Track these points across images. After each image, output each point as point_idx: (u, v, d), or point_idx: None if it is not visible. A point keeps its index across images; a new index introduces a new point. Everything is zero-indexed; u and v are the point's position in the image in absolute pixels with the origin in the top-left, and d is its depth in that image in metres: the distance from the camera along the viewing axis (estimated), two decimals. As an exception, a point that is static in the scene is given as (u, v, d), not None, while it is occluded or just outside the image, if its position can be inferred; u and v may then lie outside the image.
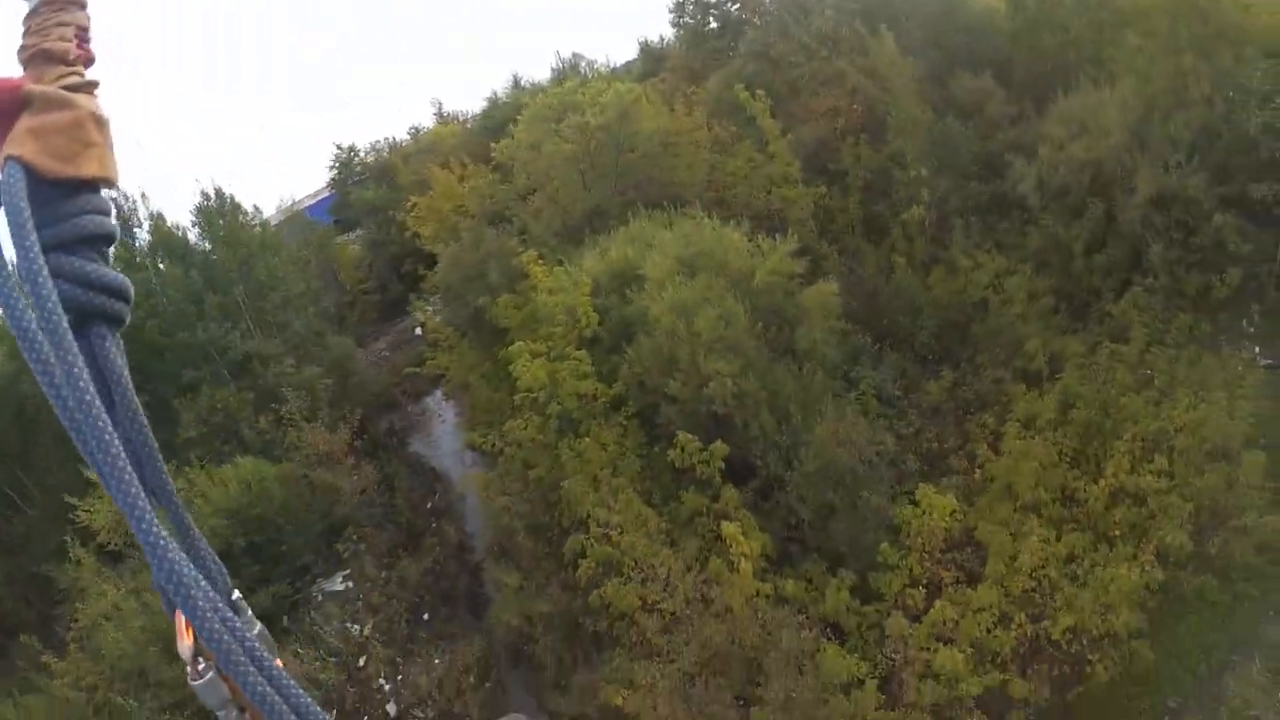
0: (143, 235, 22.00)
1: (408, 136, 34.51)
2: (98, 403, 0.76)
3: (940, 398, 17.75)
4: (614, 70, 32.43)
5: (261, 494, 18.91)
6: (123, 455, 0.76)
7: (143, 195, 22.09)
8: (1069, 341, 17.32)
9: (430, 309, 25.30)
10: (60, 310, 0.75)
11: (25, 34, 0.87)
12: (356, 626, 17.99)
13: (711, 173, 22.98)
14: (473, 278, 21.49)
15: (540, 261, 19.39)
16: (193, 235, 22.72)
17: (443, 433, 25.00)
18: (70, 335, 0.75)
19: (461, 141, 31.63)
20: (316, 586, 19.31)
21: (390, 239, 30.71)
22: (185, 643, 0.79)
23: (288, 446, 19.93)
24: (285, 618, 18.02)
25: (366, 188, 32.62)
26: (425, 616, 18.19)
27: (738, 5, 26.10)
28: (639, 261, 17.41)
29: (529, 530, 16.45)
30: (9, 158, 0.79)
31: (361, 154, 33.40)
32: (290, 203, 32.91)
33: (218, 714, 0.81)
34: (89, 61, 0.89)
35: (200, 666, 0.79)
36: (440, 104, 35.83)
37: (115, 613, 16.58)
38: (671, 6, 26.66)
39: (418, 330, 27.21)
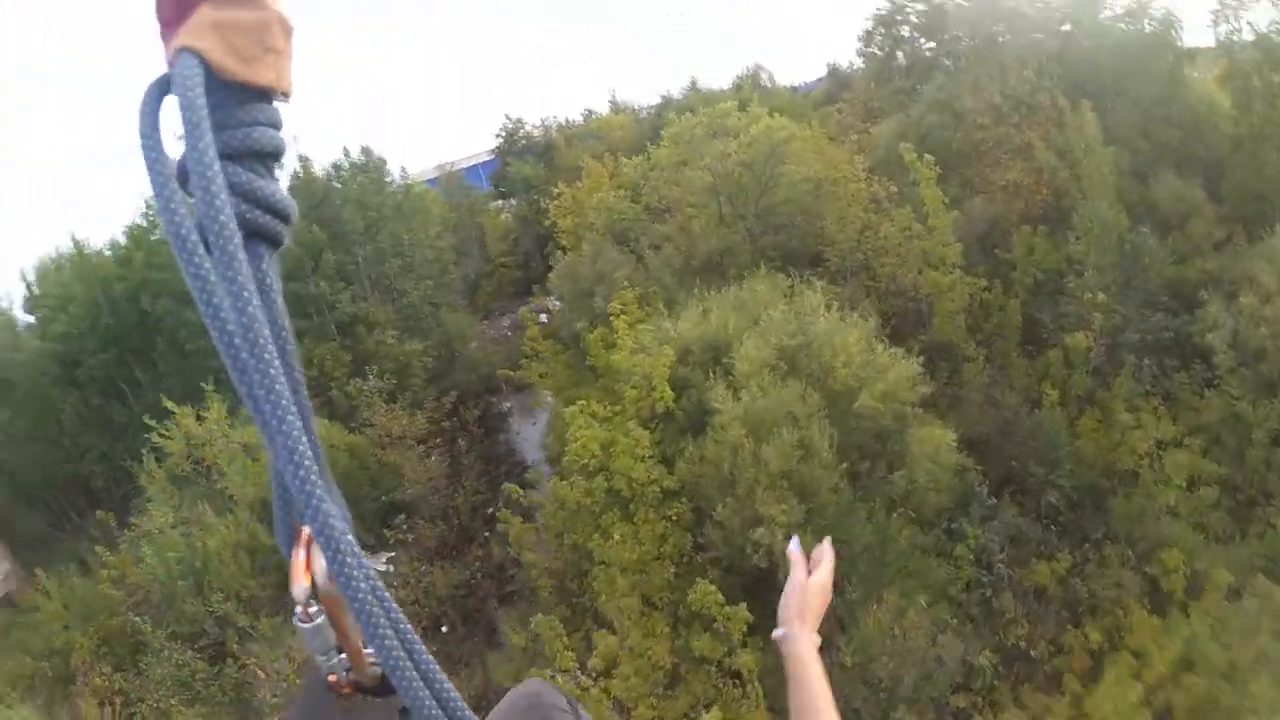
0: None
1: (579, 118, 34.11)
2: (265, 331, 0.67)
3: (1047, 584, 15.05)
4: (797, 90, 30.59)
5: (328, 459, 19.08)
6: (288, 392, 0.68)
7: (294, 137, 22.75)
8: (1217, 563, 14.30)
9: (552, 305, 24.81)
10: (234, 223, 0.67)
11: None
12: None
13: (863, 233, 20.97)
14: (582, 295, 20.72)
15: (641, 305, 18.27)
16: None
17: (533, 431, 24.63)
18: (242, 252, 0.67)
19: (628, 134, 30.85)
20: (362, 562, 19.45)
21: (538, 217, 30.54)
22: (303, 584, 0.74)
23: (362, 421, 20.09)
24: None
25: (525, 161, 32.53)
26: (444, 629, 17.89)
27: (933, 45, 23.41)
28: (738, 335, 15.73)
29: (553, 592, 15.64)
30: (185, 49, 0.71)
31: (528, 127, 33.35)
32: (450, 164, 33.33)
33: (319, 660, 0.76)
34: None
35: (312, 609, 0.74)
36: (615, 91, 35.16)
37: (159, 536, 17.18)
38: (861, 33, 24.38)
39: (543, 318, 26.96)
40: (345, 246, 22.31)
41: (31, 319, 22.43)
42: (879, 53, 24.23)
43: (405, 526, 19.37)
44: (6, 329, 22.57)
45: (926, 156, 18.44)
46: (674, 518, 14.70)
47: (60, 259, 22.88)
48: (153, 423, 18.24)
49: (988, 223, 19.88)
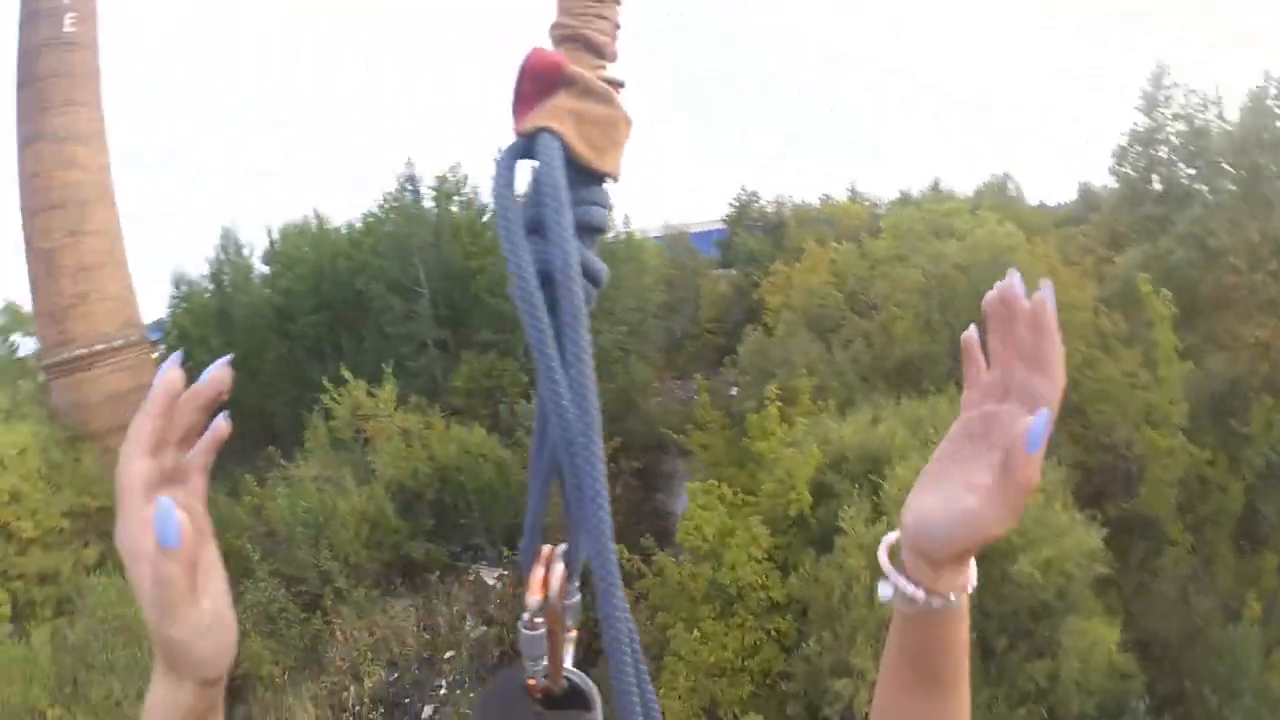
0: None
1: (816, 201, 33.71)
2: (592, 380, 0.81)
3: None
4: (1047, 206, 28.37)
5: (474, 467, 19.49)
6: (598, 438, 0.81)
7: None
8: None
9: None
10: (581, 291, 0.80)
11: (563, 13, 0.88)
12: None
13: (1081, 369, 18.66)
14: (763, 374, 19.97)
15: (815, 398, 17.17)
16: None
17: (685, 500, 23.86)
18: (585, 311, 0.81)
19: (860, 225, 30.00)
20: (475, 568, 19.55)
21: (752, 291, 30.26)
22: (538, 597, 0.84)
23: (516, 440, 20.34)
24: (434, 575, 18.55)
25: (754, 235, 32.48)
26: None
27: (1192, 171, 20.59)
28: (901, 453, 14.17)
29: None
30: (547, 129, 0.82)
31: (763, 202, 33.36)
32: (679, 225, 33.96)
33: (527, 664, 0.86)
34: (614, 59, 0.90)
35: (538, 620, 0.84)
36: (855, 181, 34.48)
37: (298, 484, 18.11)
38: (1115, 149, 22.04)
39: (733, 390, 26.43)
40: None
41: (265, 270, 24.94)
42: (1132, 173, 21.78)
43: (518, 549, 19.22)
44: (243, 272, 25.32)
45: (1165, 293, 16.05)
46: (774, 632, 13.21)
47: (303, 225, 25.49)
48: (329, 385, 19.50)
49: (1225, 384, 16.88)
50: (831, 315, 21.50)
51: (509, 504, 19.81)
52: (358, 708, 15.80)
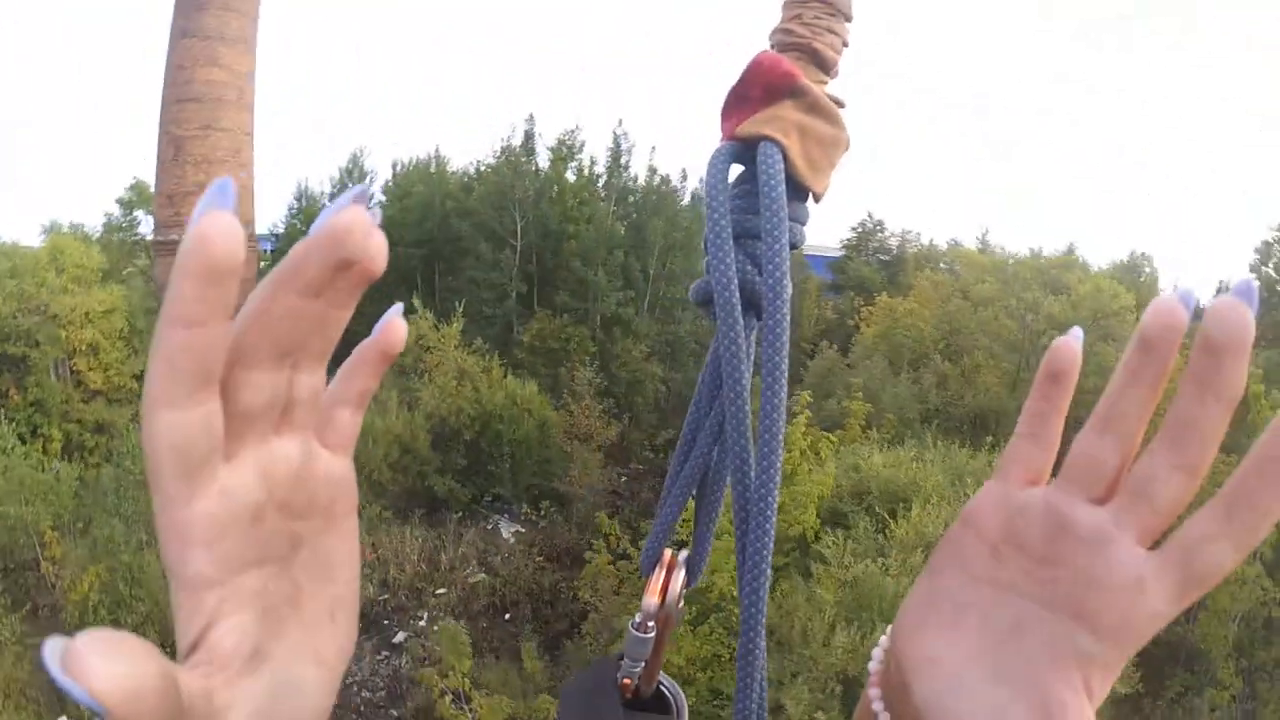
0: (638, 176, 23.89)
1: (943, 245, 32.16)
2: (747, 382, 0.80)
3: None
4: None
5: (518, 419, 19.52)
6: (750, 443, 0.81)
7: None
8: None
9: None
10: (787, 299, 0.77)
11: (791, 19, 0.86)
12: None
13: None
14: (821, 395, 19.16)
15: (866, 427, 16.26)
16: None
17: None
18: (787, 323, 0.78)
19: (975, 269, 28.50)
20: (496, 519, 19.58)
21: (855, 316, 29.30)
22: (655, 600, 0.82)
23: (562, 404, 20.35)
24: (454, 514, 18.71)
25: (870, 264, 31.38)
26: (506, 615, 17.19)
27: None
28: (923, 493, 13.17)
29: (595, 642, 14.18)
30: (771, 139, 0.80)
31: (887, 233, 32.03)
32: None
33: (628, 663, 0.85)
34: (836, 76, 0.88)
35: (650, 623, 0.83)
36: (987, 230, 32.81)
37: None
38: (1258, 246, 19.79)
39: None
40: (640, 255, 22.82)
41: (382, 198, 25.85)
42: (1274, 274, 19.58)
43: (541, 510, 19.14)
44: (361, 197, 26.30)
45: (1276, 394, 14.21)
46: (734, 651, 12.30)
47: (425, 162, 26.28)
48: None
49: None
50: (914, 349, 20.39)
51: (544, 463, 19.73)
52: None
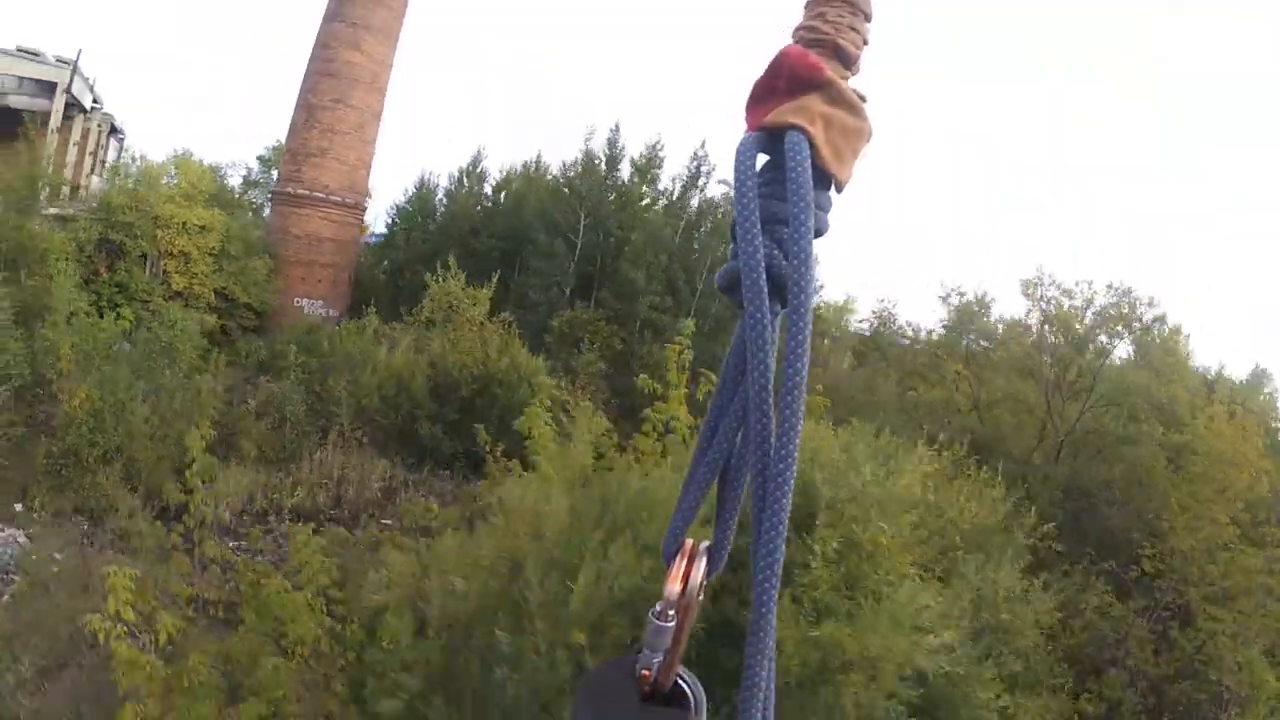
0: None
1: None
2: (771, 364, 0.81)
3: None
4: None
5: (515, 384, 19.89)
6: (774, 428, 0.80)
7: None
8: None
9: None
10: (811, 289, 0.80)
11: (814, 16, 0.90)
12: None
13: (1209, 556, 14.08)
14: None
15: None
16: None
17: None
18: (810, 309, 0.81)
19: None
20: (470, 476, 19.81)
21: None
22: (675, 587, 0.81)
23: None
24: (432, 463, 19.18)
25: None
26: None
27: None
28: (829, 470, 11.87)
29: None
30: (798, 127, 0.83)
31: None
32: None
33: (647, 654, 0.83)
34: (859, 73, 0.92)
35: (670, 612, 0.81)
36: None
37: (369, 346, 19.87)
38: None
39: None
40: (688, 266, 22.88)
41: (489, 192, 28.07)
42: None
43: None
44: (470, 190, 28.54)
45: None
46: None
47: (528, 165, 28.43)
48: (437, 272, 21.44)
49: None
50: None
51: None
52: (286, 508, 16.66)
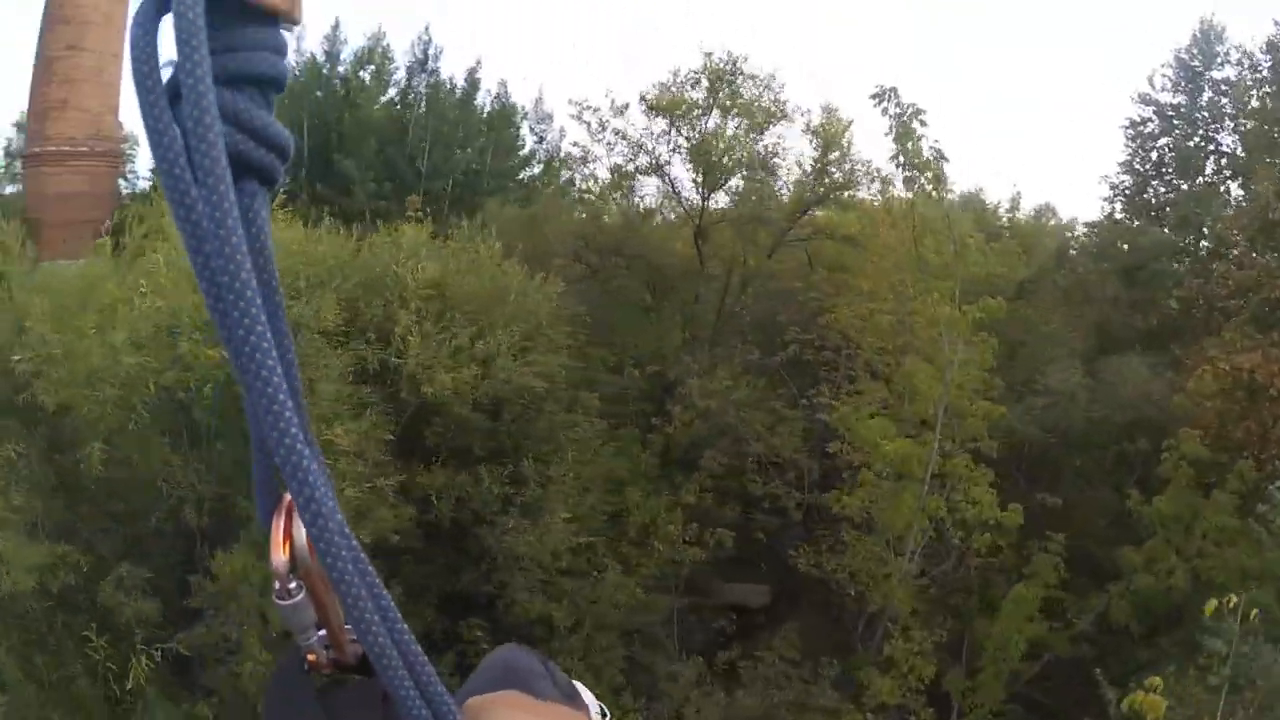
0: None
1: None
2: (248, 268, 0.59)
3: None
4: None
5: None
6: (269, 336, 0.59)
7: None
8: None
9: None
10: (224, 154, 0.59)
11: None
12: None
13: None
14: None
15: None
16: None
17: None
18: (229, 184, 0.59)
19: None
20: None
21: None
22: (280, 556, 0.66)
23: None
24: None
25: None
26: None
27: None
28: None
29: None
30: None
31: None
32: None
33: (298, 638, 0.70)
34: None
35: (292, 585, 0.67)
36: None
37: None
38: None
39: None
40: (406, 144, 22.33)
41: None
42: None
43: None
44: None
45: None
46: None
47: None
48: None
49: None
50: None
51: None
52: None
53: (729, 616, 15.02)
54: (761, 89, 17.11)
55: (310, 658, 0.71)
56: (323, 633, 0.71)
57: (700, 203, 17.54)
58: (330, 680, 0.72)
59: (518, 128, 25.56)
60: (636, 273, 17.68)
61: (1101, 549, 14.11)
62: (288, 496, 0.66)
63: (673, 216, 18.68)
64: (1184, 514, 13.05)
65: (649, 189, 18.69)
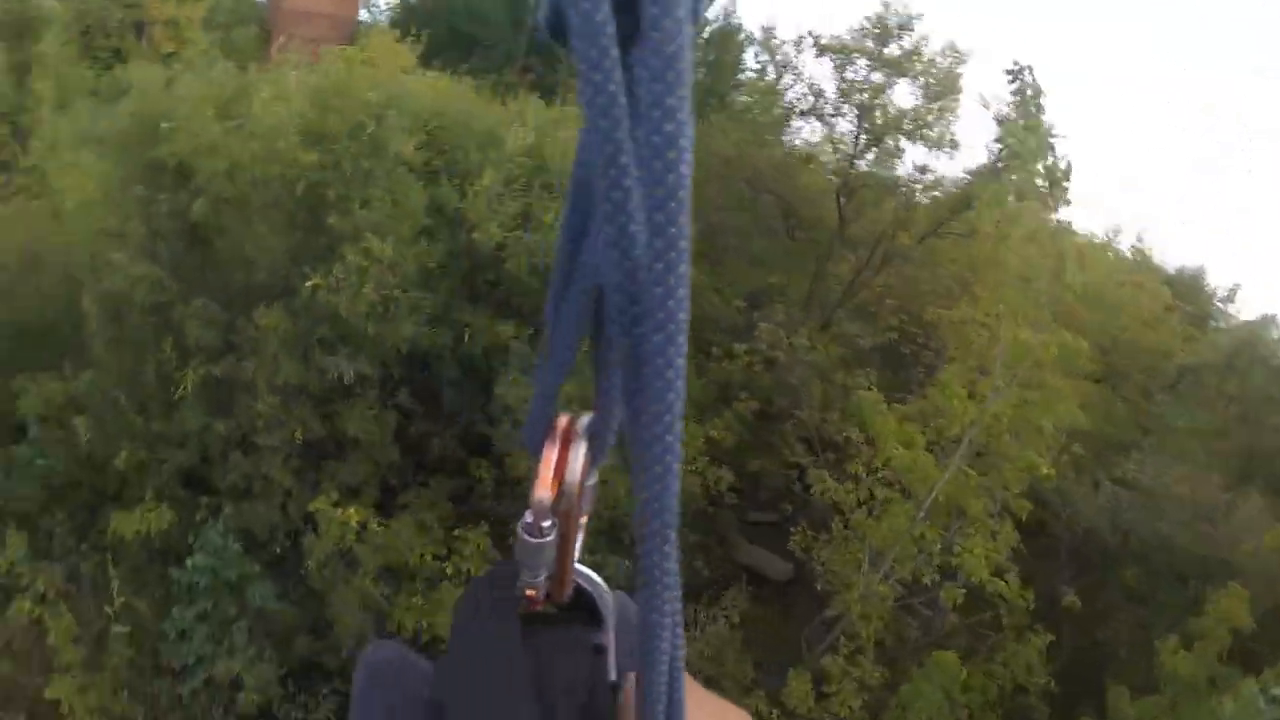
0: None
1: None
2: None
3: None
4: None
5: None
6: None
7: None
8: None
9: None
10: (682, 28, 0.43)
11: None
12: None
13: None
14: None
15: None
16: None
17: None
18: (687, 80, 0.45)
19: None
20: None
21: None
22: (548, 493, 0.56)
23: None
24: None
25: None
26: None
27: None
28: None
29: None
30: None
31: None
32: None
33: (525, 574, 0.60)
34: None
35: (545, 524, 0.57)
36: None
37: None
38: None
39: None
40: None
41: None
42: None
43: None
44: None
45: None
46: None
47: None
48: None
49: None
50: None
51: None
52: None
53: (740, 578, 14.33)
54: (940, 55, 15.94)
55: (530, 593, 0.64)
56: (543, 575, 0.63)
57: (850, 162, 16.86)
58: (535, 615, 0.64)
59: (741, 50, 24.79)
60: (773, 214, 17.43)
61: (1095, 675, 12.66)
62: (563, 420, 0.58)
63: (831, 170, 17.99)
64: (1201, 684, 11.48)
65: (811, 132, 18.13)
